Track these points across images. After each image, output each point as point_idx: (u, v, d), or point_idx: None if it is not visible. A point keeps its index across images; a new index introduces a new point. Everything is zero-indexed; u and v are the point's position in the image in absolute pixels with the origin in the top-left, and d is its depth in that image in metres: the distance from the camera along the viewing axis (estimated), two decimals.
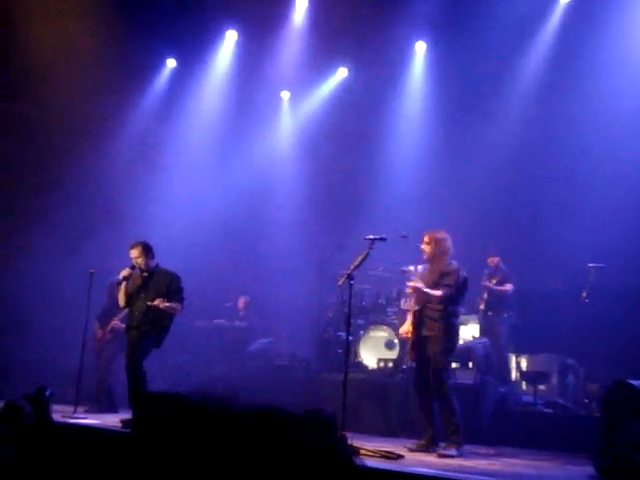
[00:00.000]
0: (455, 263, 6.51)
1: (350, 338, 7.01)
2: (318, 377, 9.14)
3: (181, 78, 11.91)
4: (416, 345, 6.37)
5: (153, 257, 7.11)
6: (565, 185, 9.46)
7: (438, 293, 6.26)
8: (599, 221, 8.72)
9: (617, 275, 8.22)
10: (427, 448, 6.21)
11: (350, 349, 7.75)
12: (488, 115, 10.32)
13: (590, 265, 7.94)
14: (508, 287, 9.24)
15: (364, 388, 8.26)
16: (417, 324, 6.34)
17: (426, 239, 6.52)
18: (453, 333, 6.46)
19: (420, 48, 11.36)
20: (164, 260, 7.57)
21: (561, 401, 8.08)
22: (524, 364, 8.95)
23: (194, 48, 11.54)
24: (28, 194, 10.73)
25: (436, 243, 6.46)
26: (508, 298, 9.29)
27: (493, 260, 9.45)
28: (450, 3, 9.95)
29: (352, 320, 6.73)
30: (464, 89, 10.73)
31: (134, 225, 10.34)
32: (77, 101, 10.49)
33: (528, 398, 8.20)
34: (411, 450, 6.13)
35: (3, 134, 10.57)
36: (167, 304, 6.82)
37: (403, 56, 11.39)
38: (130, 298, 7.08)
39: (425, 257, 6.57)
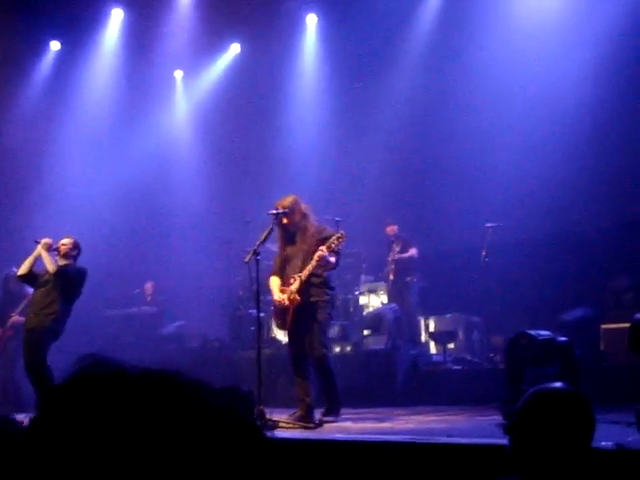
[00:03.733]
0: (327, 227, 6.26)
1: (262, 314, 7.02)
2: (233, 356, 9.13)
3: (67, 60, 11.42)
4: (297, 311, 5.88)
5: (75, 259, 6.77)
6: (459, 147, 9.74)
7: (333, 260, 5.89)
8: (492, 181, 9.05)
9: (512, 232, 8.60)
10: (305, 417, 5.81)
11: (262, 325, 7.78)
12: (382, 82, 10.47)
13: (487, 225, 8.26)
14: (412, 252, 9.49)
15: (279, 362, 8.31)
16: (301, 290, 5.85)
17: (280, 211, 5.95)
18: (334, 301, 6.30)
19: (311, 20, 11.36)
20: None
21: (468, 357, 8.43)
22: (432, 325, 9.25)
23: (79, 29, 11.08)
24: None
25: (292, 210, 5.93)
26: (413, 262, 9.54)
27: (393, 229, 9.67)
28: None
29: (262, 296, 6.69)
30: (357, 59, 10.85)
31: (28, 216, 9.94)
32: None
33: (438, 357, 8.50)
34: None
35: None
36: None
37: (295, 29, 11.37)
38: (34, 278, 6.76)
39: (285, 229, 6.06)
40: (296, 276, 5.84)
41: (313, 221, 6.07)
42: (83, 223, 10.34)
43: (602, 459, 3.21)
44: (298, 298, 5.80)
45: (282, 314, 6.00)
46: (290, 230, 6.03)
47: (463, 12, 9.93)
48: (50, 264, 6.62)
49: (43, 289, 6.70)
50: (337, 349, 8.55)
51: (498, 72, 9.30)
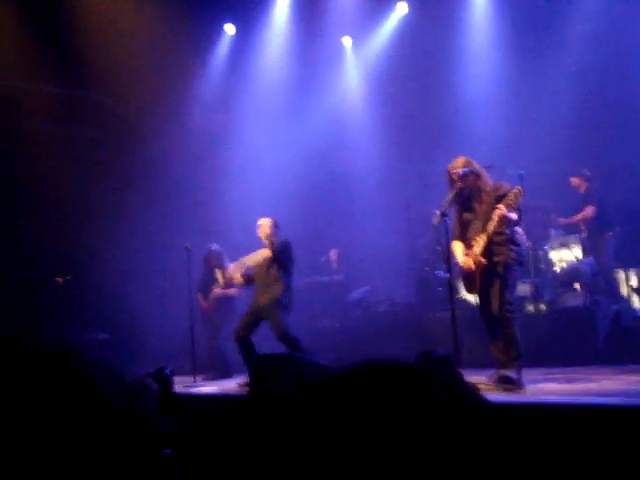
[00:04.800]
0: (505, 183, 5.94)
1: (448, 275, 6.91)
2: (423, 318, 9.11)
3: (241, 41, 11.85)
4: (484, 273, 5.72)
5: (276, 234, 7.31)
6: None
7: (514, 217, 5.61)
8: None
9: None
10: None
11: (452, 286, 7.66)
12: (560, 28, 9.82)
13: None
14: (587, 211, 8.96)
15: (471, 322, 8.17)
16: (486, 252, 5.68)
17: (452, 175, 5.81)
18: (522, 258, 6.03)
19: None
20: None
21: None
22: (634, 279, 8.61)
23: (250, 10, 11.43)
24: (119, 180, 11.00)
25: (464, 171, 5.72)
26: (604, 216, 8.95)
27: (575, 181, 9.16)
28: None
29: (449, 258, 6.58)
30: (530, 5, 10.23)
31: (214, 190, 10.54)
32: (148, 82, 10.60)
33: None
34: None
35: (83, 123, 10.86)
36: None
37: None
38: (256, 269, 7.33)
39: (460, 193, 5.82)
40: (478, 237, 5.69)
41: (487, 179, 5.86)
42: (267, 193, 10.78)
43: None
44: (483, 261, 5.65)
45: (469, 277, 5.88)
46: (465, 193, 5.86)
47: None
48: (261, 255, 7.20)
49: (262, 268, 7.23)
50: (530, 308, 8.24)
51: None
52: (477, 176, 5.81)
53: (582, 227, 9.16)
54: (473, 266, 5.72)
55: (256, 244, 7.50)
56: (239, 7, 11.26)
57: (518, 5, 10.39)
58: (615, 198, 9.02)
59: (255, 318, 7.22)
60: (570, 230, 9.35)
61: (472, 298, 8.65)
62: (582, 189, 9.18)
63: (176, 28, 10.39)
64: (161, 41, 10.41)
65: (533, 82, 10.09)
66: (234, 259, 7.94)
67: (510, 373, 5.47)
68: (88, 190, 10.60)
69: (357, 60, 12.29)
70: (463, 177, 5.76)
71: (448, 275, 6.29)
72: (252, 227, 7.58)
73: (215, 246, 9.15)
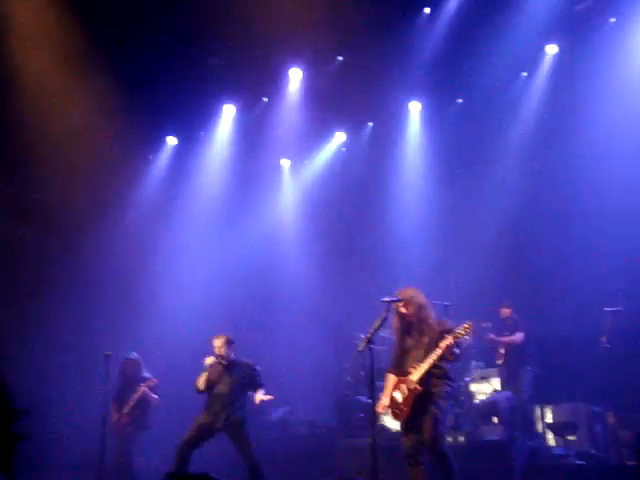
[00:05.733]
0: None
1: (370, 401, 6.89)
2: (340, 443, 8.95)
3: (183, 154, 12.11)
4: (417, 401, 5.81)
5: (232, 350, 7.43)
6: (573, 230, 9.49)
7: (457, 351, 5.73)
8: (611, 265, 8.71)
9: (633, 317, 8.16)
10: None
11: (374, 412, 7.61)
12: (489, 167, 10.45)
13: (607, 309, 7.89)
14: (517, 336, 9.19)
15: (389, 452, 8.07)
16: (422, 381, 5.79)
17: (401, 302, 5.95)
18: (455, 393, 6.45)
19: (414, 108, 11.57)
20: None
21: (593, 451, 7.90)
22: (549, 415, 8.77)
23: (193, 125, 11.75)
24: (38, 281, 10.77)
25: (414, 302, 5.94)
26: (525, 348, 9.20)
27: (505, 311, 9.41)
28: (440, 62, 10.17)
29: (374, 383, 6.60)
30: (461, 146, 10.93)
31: (145, 307, 10.41)
32: (84, 183, 10.63)
33: (559, 450, 8.01)
34: None
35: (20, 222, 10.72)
36: (267, 397, 7.23)
37: (398, 116, 11.60)
38: (208, 385, 7.33)
39: (405, 320, 6.02)
40: (418, 365, 5.79)
41: (431, 313, 6.02)
42: (194, 307, 10.71)
43: None
44: (419, 388, 5.74)
45: (398, 406, 5.93)
46: (409, 321, 6.01)
47: (567, 94, 9.87)
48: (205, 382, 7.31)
49: (222, 387, 7.26)
50: (449, 439, 8.23)
51: (613, 152, 9.08)
52: (422, 307, 5.96)
53: (501, 356, 9.33)
54: (406, 392, 5.83)
55: (183, 355, 7.42)
56: (182, 120, 11.57)
57: (447, 143, 11.08)
58: (536, 331, 9.31)
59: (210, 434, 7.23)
60: (490, 363, 9.54)
61: (393, 425, 8.64)
62: (507, 317, 9.42)
63: (118, 135, 10.56)
64: (101, 144, 10.54)
65: (461, 219, 10.59)
66: (157, 369, 7.76)
67: None
68: (10, 286, 10.32)
69: (294, 182, 12.67)
70: (407, 304, 5.93)
71: (370, 401, 6.28)
72: (178, 337, 7.50)
73: (134, 355, 8.91)
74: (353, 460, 7.94)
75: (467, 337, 5.76)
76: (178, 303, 10.75)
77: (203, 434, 7.15)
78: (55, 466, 7.96)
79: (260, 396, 7.19)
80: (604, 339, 7.83)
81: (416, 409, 5.77)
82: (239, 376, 7.29)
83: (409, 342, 6.03)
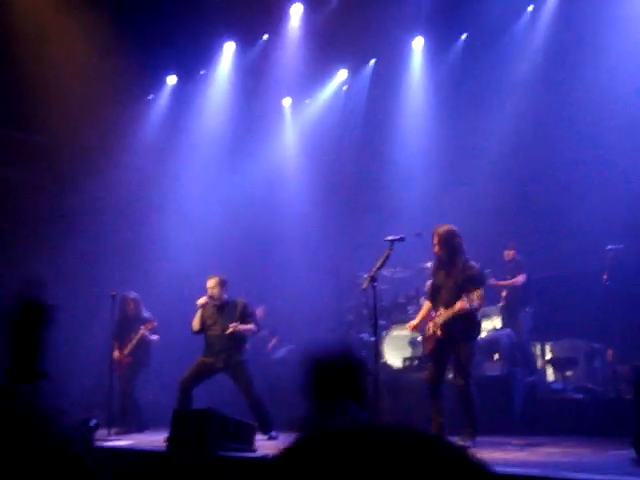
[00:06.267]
0: (475, 264, 6.42)
1: (372, 339, 7.01)
2: None
3: (183, 93, 11.97)
4: (439, 342, 6.32)
5: (226, 290, 7.56)
6: (577, 168, 9.42)
7: (476, 303, 6.14)
8: (613, 201, 8.68)
9: (636, 254, 8.19)
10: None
11: (377, 350, 7.74)
12: (494, 104, 10.30)
13: (609, 247, 7.92)
14: (519, 279, 9.24)
15: (393, 388, 8.25)
16: (446, 324, 6.26)
17: (435, 239, 6.41)
18: (479, 330, 6.64)
19: (418, 44, 11.37)
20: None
21: (590, 385, 8.06)
22: (549, 352, 8.92)
23: (193, 63, 11.59)
24: (37, 223, 10.78)
25: (445, 242, 6.32)
26: (526, 289, 9.27)
27: (509, 253, 9.44)
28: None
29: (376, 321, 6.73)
30: (465, 83, 10.77)
31: (150, 246, 10.45)
32: (84, 124, 10.54)
33: (557, 385, 8.18)
34: None
35: (14, 163, 10.65)
36: (243, 326, 7.35)
37: (401, 53, 11.41)
38: (204, 326, 7.47)
39: (437, 258, 6.49)
40: (443, 310, 6.29)
41: (462, 256, 6.38)
42: (197, 248, 10.75)
43: None
44: (439, 333, 6.26)
45: (429, 340, 6.48)
46: (441, 258, 6.44)
47: (576, 30, 9.66)
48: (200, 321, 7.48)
49: (217, 328, 7.39)
50: (449, 375, 8.39)
51: (619, 88, 8.94)
52: (454, 249, 6.33)
53: (502, 298, 9.43)
54: (431, 332, 6.37)
55: (184, 294, 7.51)
56: (182, 59, 11.40)
57: (450, 82, 10.93)
58: (538, 270, 9.37)
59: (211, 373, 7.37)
60: (491, 302, 9.62)
61: (396, 363, 8.80)
62: (510, 259, 9.47)
63: (118, 73, 10.41)
64: (102, 85, 10.40)
65: (463, 158, 10.51)
66: (156, 309, 7.86)
67: (467, 442, 5.87)
68: (8, 229, 10.35)
69: (295, 121, 12.55)
70: (442, 243, 6.35)
71: (373, 339, 6.41)
72: (180, 277, 7.59)
73: (133, 294, 9.02)
74: None
75: (478, 304, 6.19)
76: (181, 243, 10.81)
77: (203, 373, 7.30)
78: (69, 405, 8.14)
79: (236, 325, 7.24)
80: (605, 277, 7.88)
81: (441, 348, 6.31)
82: (231, 315, 7.40)
83: (440, 278, 6.47)
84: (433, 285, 6.60)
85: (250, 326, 7.45)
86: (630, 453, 4.97)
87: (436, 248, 6.39)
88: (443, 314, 6.27)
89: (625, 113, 8.91)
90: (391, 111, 11.46)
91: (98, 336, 9.14)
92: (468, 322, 6.25)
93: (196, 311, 7.52)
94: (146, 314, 9.07)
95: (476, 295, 6.11)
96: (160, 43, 10.62)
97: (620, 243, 7.93)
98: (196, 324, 7.48)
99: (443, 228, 6.41)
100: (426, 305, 6.70)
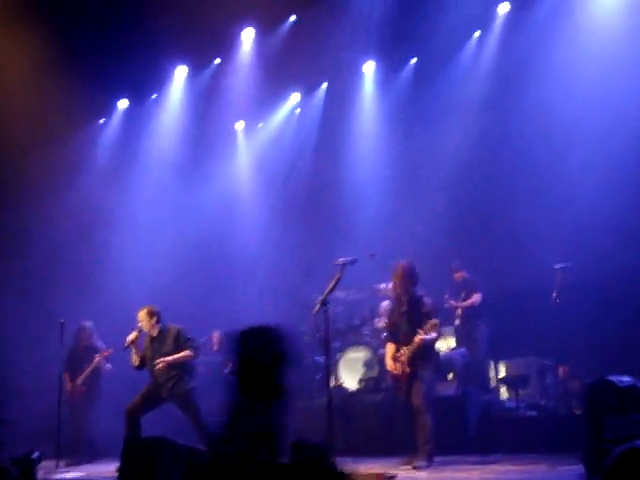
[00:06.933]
0: (428, 299, 6.96)
1: (329, 361, 7.00)
2: (299, 404, 9.05)
3: (135, 116, 11.88)
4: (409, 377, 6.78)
5: (158, 321, 7.30)
6: (523, 188, 9.62)
7: (434, 335, 6.78)
8: (561, 221, 8.87)
9: (585, 271, 8.36)
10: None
11: (329, 373, 7.72)
12: (444, 126, 10.46)
13: (557, 266, 8.06)
14: (475, 298, 9.34)
15: (348, 410, 8.22)
16: (410, 361, 6.76)
17: (395, 277, 6.94)
18: (438, 359, 7.17)
19: (369, 68, 11.51)
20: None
21: (543, 402, 8.15)
22: (503, 370, 9.01)
23: (145, 87, 11.52)
24: None
25: (404, 280, 6.88)
26: (480, 307, 9.37)
27: (460, 275, 9.53)
28: (393, 22, 10.10)
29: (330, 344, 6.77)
30: (415, 104, 10.93)
31: (101, 273, 10.31)
32: (33, 146, 10.37)
33: (511, 403, 8.25)
34: (406, 463, 6.51)
35: None
36: (171, 358, 7.10)
37: (353, 76, 11.53)
38: (143, 360, 7.28)
39: (396, 296, 7.02)
40: (405, 348, 6.76)
41: (417, 292, 6.92)
42: (149, 275, 10.61)
43: None
44: (407, 370, 6.74)
45: (398, 379, 6.88)
46: (399, 296, 6.95)
47: (522, 51, 9.92)
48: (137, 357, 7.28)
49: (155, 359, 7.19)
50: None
51: (560, 108, 9.18)
52: (412, 282, 6.89)
53: (457, 316, 9.50)
54: (399, 373, 6.80)
55: (132, 324, 7.36)
56: (134, 83, 11.31)
57: (402, 103, 11.10)
58: (489, 289, 9.48)
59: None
60: (445, 322, 9.69)
61: (350, 385, 8.77)
62: (460, 280, 9.56)
63: (68, 96, 10.27)
64: (51, 107, 10.24)
65: (414, 180, 10.64)
66: (110, 338, 7.70)
67: (423, 463, 6.27)
68: None
69: (248, 144, 12.55)
70: (401, 278, 6.87)
71: (327, 361, 6.41)
72: (131, 306, 7.47)
73: (88, 323, 8.86)
74: (310, 420, 8.04)
75: (435, 335, 6.76)
76: (133, 269, 10.64)
77: (149, 403, 7.13)
78: (11, 435, 7.90)
79: (163, 360, 7.06)
80: (554, 295, 8.01)
81: (409, 382, 6.78)
82: (165, 344, 7.19)
83: (398, 317, 6.96)
84: (394, 324, 7.05)
85: (184, 353, 7.16)
86: (580, 469, 5.04)
87: (396, 286, 6.92)
88: (406, 352, 6.72)
89: (569, 135, 9.15)
90: (344, 133, 11.56)
91: (46, 363, 8.91)
92: (427, 352, 6.78)
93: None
94: (99, 343, 8.92)
95: (430, 326, 6.61)
96: (111, 66, 10.54)
97: (568, 262, 8.07)
98: (134, 360, 7.25)
99: (401, 266, 6.92)
100: (389, 348, 7.03)
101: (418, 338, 6.63)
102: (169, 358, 7.08)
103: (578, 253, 8.32)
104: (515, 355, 9.00)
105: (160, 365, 7.03)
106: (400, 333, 6.93)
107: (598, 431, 4.98)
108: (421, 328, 6.64)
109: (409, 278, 6.87)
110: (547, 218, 9.05)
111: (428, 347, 6.80)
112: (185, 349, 7.18)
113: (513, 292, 9.61)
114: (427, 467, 6.16)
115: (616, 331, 8.41)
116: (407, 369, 6.72)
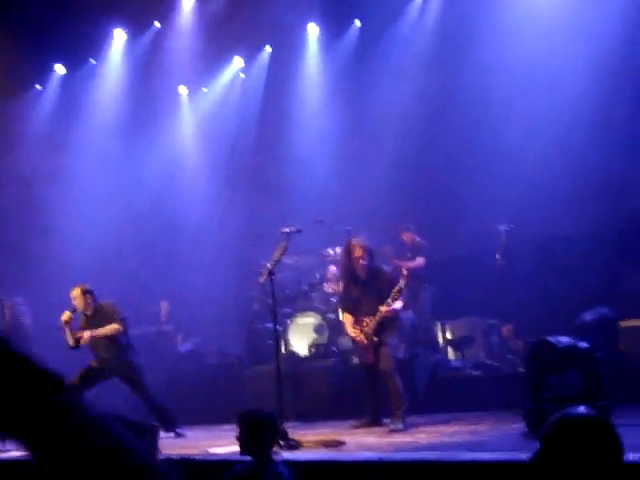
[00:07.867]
0: (386, 267, 7.15)
1: (278, 328, 7.03)
2: (250, 371, 9.10)
3: (73, 83, 11.53)
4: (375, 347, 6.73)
5: (92, 299, 7.17)
6: (469, 149, 9.69)
7: (400, 304, 6.80)
8: (505, 184, 8.98)
9: (528, 232, 8.52)
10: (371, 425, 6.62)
11: (280, 339, 7.76)
12: (389, 88, 10.42)
13: (500, 227, 8.17)
14: (418, 262, 9.42)
15: (298, 376, 8.28)
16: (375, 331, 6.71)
17: (358, 252, 6.81)
18: (401, 322, 7.24)
19: (313, 31, 11.35)
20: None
21: (488, 361, 8.35)
22: (449, 331, 9.17)
23: (82, 51, 11.15)
24: None
25: (369, 254, 6.82)
26: (424, 269, 9.46)
27: (409, 236, 9.58)
28: None
29: (278, 309, 6.81)
30: (360, 67, 10.87)
31: (41, 247, 10.06)
32: None
33: (457, 363, 8.43)
34: (356, 427, 6.54)
35: None
36: (98, 332, 6.99)
37: (296, 40, 11.36)
38: (79, 340, 7.13)
39: (354, 270, 6.89)
40: (368, 319, 6.70)
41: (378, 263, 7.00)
42: (94, 244, 10.42)
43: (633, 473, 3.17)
44: (375, 339, 6.67)
45: (363, 349, 6.81)
46: (360, 270, 6.81)
47: (466, 13, 9.90)
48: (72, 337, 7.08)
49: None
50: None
51: (509, 70, 9.24)
52: (372, 260, 6.84)
53: (403, 276, 9.55)
54: (365, 341, 6.71)
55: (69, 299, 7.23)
56: (70, 47, 10.94)
57: (348, 64, 11.02)
58: (434, 250, 9.58)
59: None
60: None
61: (301, 351, 8.83)
62: (410, 241, 9.63)
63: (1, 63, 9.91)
64: None
65: (363, 142, 10.62)
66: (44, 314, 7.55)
67: (399, 425, 6.26)
68: None
69: (193, 109, 12.32)
70: (362, 254, 6.79)
71: (275, 328, 6.45)
72: (73, 279, 7.33)
73: (18, 299, 8.65)
74: (260, 386, 8.09)
75: (401, 303, 6.77)
76: (75, 239, 10.43)
77: (90, 378, 7.05)
78: None
79: (89, 334, 7.04)
80: (498, 256, 8.13)
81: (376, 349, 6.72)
82: (98, 320, 7.11)
83: (357, 290, 6.87)
84: (350, 297, 6.95)
85: (111, 326, 7.07)
86: (522, 427, 5.19)
87: (360, 259, 6.76)
88: (371, 323, 6.67)
89: (514, 96, 9.22)
90: (288, 98, 11.43)
91: None
92: (393, 318, 6.80)
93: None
94: (28, 320, 8.76)
95: (396, 292, 6.63)
96: (45, 30, 10.17)
97: (511, 223, 8.19)
98: (70, 340, 7.11)
99: (364, 242, 6.88)
100: (347, 318, 6.96)
101: (384, 308, 6.61)
102: (96, 332, 7.01)
103: (521, 214, 8.46)
104: (460, 316, 9.16)
105: (85, 337, 6.97)
106: (362, 304, 6.86)
107: (538, 391, 5.13)
108: (387, 297, 6.63)
109: (370, 256, 6.84)
110: (490, 179, 9.15)
111: (393, 315, 6.80)
112: (114, 322, 7.10)
113: (458, 254, 9.76)
114: (404, 429, 6.21)
115: (558, 290, 8.65)
116: (375, 338, 6.67)
